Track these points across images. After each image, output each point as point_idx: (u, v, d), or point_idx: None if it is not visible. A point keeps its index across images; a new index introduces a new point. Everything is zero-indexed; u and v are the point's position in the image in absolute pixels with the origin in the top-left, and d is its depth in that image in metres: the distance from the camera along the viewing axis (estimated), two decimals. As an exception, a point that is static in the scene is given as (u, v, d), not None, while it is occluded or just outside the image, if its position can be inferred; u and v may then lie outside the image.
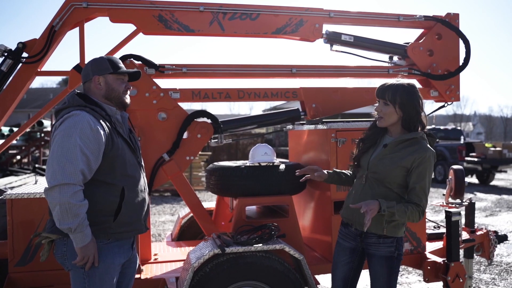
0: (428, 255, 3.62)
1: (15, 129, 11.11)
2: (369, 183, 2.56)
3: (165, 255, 3.81)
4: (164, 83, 3.54)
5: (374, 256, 2.55)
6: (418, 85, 4.14)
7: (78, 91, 2.39)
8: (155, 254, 3.76)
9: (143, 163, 2.53)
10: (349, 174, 2.86)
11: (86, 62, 3.17)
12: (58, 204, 2.08)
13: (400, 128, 2.54)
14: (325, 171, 2.80)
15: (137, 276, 3.18)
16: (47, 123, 12.87)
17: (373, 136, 2.64)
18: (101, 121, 2.26)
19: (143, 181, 2.47)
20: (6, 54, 3.25)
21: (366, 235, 2.56)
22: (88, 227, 2.15)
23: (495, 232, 4.31)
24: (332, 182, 2.87)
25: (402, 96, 2.47)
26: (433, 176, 15.58)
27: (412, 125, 2.51)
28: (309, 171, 2.81)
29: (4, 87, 3.32)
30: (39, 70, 3.38)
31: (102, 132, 2.22)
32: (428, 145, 2.49)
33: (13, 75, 3.32)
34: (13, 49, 3.28)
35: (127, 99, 2.46)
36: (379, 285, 2.55)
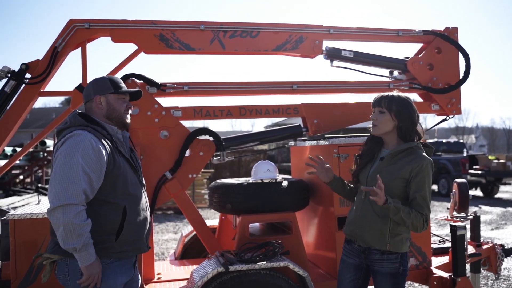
0: (434, 270, 3.58)
1: (18, 149, 11.15)
2: (368, 198, 2.54)
3: (169, 274, 3.77)
4: (165, 101, 3.57)
5: (378, 273, 2.52)
6: (419, 99, 4.19)
7: (79, 111, 2.40)
8: (159, 273, 3.73)
9: (144, 182, 2.53)
10: (351, 187, 2.83)
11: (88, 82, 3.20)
12: (62, 224, 2.07)
13: (396, 139, 2.55)
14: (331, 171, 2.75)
15: (140, 296, 3.15)
16: (50, 142, 12.92)
17: (370, 150, 2.65)
18: (102, 140, 2.27)
19: (145, 200, 2.46)
20: (9, 75, 3.29)
21: (369, 252, 2.53)
22: (92, 246, 2.14)
23: (502, 245, 4.26)
24: (335, 187, 2.79)
25: (398, 104, 2.50)
26: (437, 190, 15.64)
27: (408, 135, 2.51)
28: (318, 164, 2.75)
29: (8, 107, 3.35)
30: (42, 90, 3.41)
31: (103, 152, 2.23)
32: (425, 155, 2.48)
33: (16, 95, 3.35)
34: (16, 70, 3.32)
35: (128, 119, 2.47)
36: None
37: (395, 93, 2.57)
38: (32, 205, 3.64)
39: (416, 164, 2.42)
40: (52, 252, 2.22)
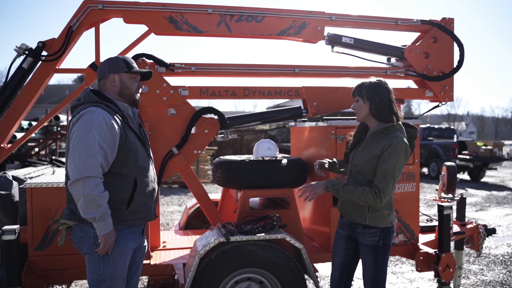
0: (421, 246, 3.63)
1: (33, 123, 11.16)
2: (353, 176, 2.62)
3: (173, 243, 3.84)
4: (173, 80, 3.55)
5: (361, 245, 2.61)
6: (414, 86, 4.17)
7: (92, 88, 2.40)
8: (164, 242, 3.79)
9: (152, 155, 2.56)
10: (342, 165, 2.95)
11: (101, 60, 3.18)
12: (82, 196, 2.11)
13: (375, 121, 2.56)
14: (325, 163, 2.92)
15: (147, 262, 3.21)
16: (63, 117, 12.92)
17: (359, 133, 2.70)
18: (115, 116, 2.28)
19: (153, 172, 2.49)
20: (27, 52, 3.27)
21: (354, 225, 2.62)
22: (110, 216, 2.18)
23: (484, 225, 4.31)
24: (332, 170, 2.95)
25: (367, 89, 2.55)
26: (427, 172, 15.63)
27: (383, 114, 2.52)
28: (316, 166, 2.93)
29: (25, 83, 3.34)
30: (57, 67, 3.39)
31: (116, 127, 2.24)
32: (401, 134, 2.48)
33: (33, 72, 3.34)
34: (33, 47, 3.30)
35: (138, 97, 2.48)
36: (367, 272, 2.60)
37: (365, 80, 2.60)
38: (47, 175, 3.68)
39: (388, 142, 2.44)
40: (68, 218, 2.26)
